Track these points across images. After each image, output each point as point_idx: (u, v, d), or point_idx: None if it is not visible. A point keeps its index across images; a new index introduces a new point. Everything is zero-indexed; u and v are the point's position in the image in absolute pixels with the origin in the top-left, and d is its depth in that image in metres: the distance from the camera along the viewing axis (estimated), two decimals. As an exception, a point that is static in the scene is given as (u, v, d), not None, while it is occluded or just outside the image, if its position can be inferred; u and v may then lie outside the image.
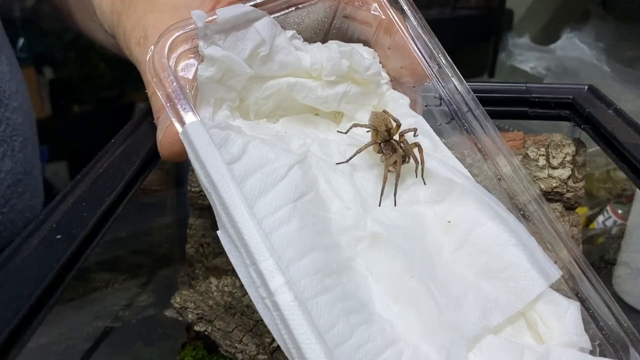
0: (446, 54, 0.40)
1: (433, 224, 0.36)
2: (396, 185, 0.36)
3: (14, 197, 0.63)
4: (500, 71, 1.25)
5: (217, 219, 0.32)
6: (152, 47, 0.35)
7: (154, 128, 0.38)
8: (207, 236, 0.52)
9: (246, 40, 0.37)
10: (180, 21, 0.36)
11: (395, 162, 0.36)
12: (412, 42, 0.40)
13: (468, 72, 1.27)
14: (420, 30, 0.40)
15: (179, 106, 0.33)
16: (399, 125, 0.38)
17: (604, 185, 0.86)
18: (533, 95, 0.48)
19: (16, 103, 0.63)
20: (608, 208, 0.83)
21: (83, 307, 0.58)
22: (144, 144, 0.38)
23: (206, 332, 0.47)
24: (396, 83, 0.42)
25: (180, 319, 0.48)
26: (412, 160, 0.37)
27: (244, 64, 0.37)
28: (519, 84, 0.49)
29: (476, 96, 0.39)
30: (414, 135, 0.39)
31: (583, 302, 0.35)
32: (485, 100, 0.44)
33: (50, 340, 0.52)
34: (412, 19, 0.40)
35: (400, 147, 0.37)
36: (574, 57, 1.05)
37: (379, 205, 0.36)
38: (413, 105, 0.41)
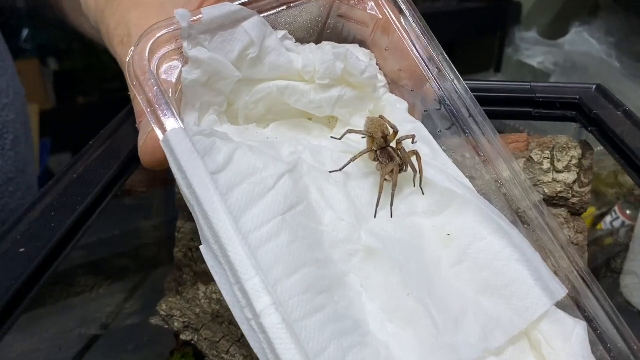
0: (446, 55, 0.38)
1: (431, 236, 0.35)
2: (393, 195, 0.35)
3: (5, 197, 0.62)
4: (507, 66, 1.22)
5: (200, 233, 0.30)
6: (132, 48, 0.33)
7: (135, 130, 0.36)
8: (196, 240, 0.50)
9: (234, 41, 0.35)
10: (164, 20, 0.34)
11: (392, 171, 0.35)
12: (410, 43, 0.38)
13: (473, 66, 1.26)
14: (419, 31, 0.38)
15: (159, 112, 0.31)
16: (396, 132, 0.37)
17: (611, 187, 0.84)
18: (538, 95, 0.45)
19: (7, 100, 0.62)
20: (616, 208, 0.81)
21: (66, 313, 0.57)
22: (124, 146, 0.36)
23: (192, 342, 0.46)
24: (394, 86, 0.40)
25: (167, 327, 0.47)
26: (409, 168, 0.35)
27: (232, 66, 0.35)
28: (523, 83, 0.47)
29: (478, 96, 0.38)
30: (412, 143, 0.37)
31: (590, 322, 0.33)
32: (488, 100, 0.43)
33: (31, 349, 0.51)
34: (410, 18, 0.38)
35: (398, 154, 0.36)
36: (583, 52, 1.03)
37: (375, 217, 0.35)
38: (412, 110, 0.40)
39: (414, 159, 0.35)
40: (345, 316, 0.31)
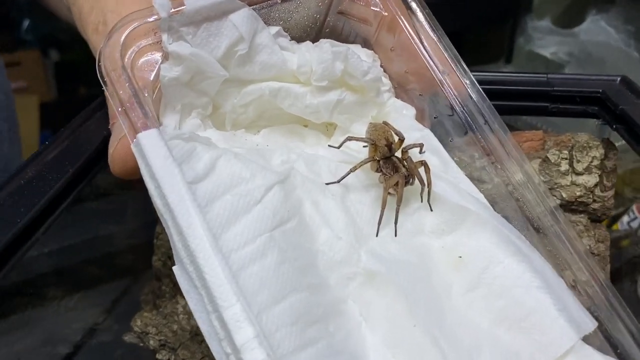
0: (460, 58, 0.35)
1: (441, 259, 0.32)
2: (397, 211, 0.32)
3: None
4: (518, 57, 1.18)
5: (173, 251, 0.27)
6: (104, 40, 0.29)
7: (98, 129, 0.34)
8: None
9: (221, 36, 0.32)
10: (143, 9, 0.31)
11: (396, 184, 0.32)
12: (419, 42, 0.36)
13: (482, 57, 1.23)
14: (428, 29, 0.35)
15: (132, 113, 0.28)
16: (401, 140, 0.35)
17: (630, 185, 0.80)
18: (555, 88, 0.43)
19: None
20: (634, 208, 0.77)
21: (30, 330, 0.53)
22: (83, 147, 0.33)
23: (170, 362, 0.43)
24: (400, 90, 0.38)
25: (142, 344, 0.44)
26: (416, 181, 0.33)
27: (217, 64, 0.32)
28: (539, 75, 0.44)
29: (489, 89, 0.35)
30: (420, 152, 0.35)
31: (621, 357, 0.29)
32: (500, 93, 0.41)
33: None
34: (419, 15, 0.36)
35: (403, 165, 0.33)
36: (599, 41, 0.99)
37: (376, 236, 0.32)
38: (420, 117, 0.37)
39: (421, 170, 0.33)
40: (342, 351, 0.28)
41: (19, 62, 1.21)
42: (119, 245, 0.63)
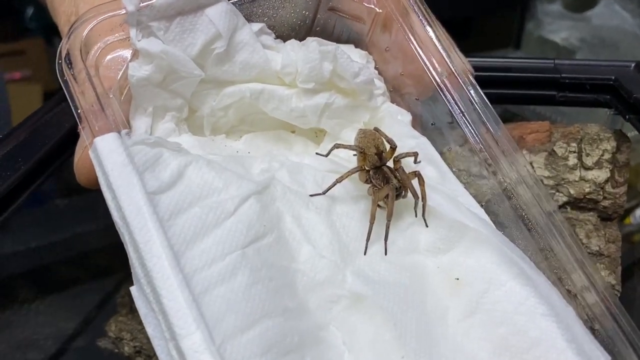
0: (462, 55, 0.33)
1: (436, 281, 0.30)
2: (387, 226, 0.30)
3: None
4: (527, 42, 1.15)
5: (131, 270, 0.25)
6: (65, 36, 0.27)
7: (59, 123, 0.33)
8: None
9: (196, 32, 0.30)
10: (112, 1, 0.29)
11: (387, 196, 0.30)
12: (416, 42, 0.34)
13: (490, 43, 1.21)
14: (428, 27, 0.33)
15: (90, 116, 0.25)
16: (393, 148, 0.32)
17: None
18: (563, 75, 0.41)
19: None
20: None
21: (0, 336, 0.51)
22: (40, 143, 0.32)
23: (145, 371, 0.42)
24: (395, 94, 0.36)
25: (116, 350, 0.42)
26: (409, 194, 0.31)
27: (192, 63, 0.30)
28: (545, 61, 0.42)
29: (492, 76, 0.34)
30: (415, 162, 0.33)
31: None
32: (502, 80, 0.40)
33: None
34: (417, 12, 0.33)
35: (395, 176, 0.31)
36: (613, 26, 0.96)
37: (364, 254, 0.30)
38: (416, 123, 0.35)
39: (415, 182, 0.31)
40: (320, 385, 0.25)
41: (22, 51, 1.20)
42: (94, 244, 0.60)
